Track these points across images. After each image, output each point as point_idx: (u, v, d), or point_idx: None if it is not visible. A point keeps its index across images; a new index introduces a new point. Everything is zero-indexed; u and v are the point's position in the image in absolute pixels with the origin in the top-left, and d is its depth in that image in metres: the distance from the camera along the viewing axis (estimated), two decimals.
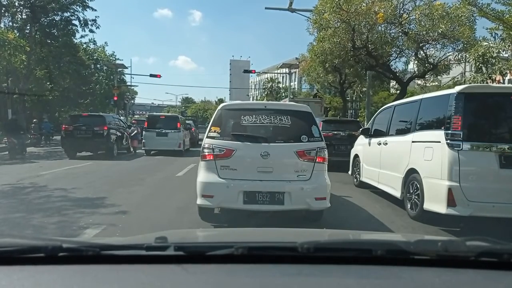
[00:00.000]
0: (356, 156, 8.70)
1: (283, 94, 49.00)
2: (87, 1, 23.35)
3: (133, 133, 17.11)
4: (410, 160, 5.89)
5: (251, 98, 70.72)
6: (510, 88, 6.19)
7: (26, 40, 19.25)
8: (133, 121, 18.48)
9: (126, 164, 12.98)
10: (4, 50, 15.21)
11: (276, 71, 48.85)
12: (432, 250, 1.22)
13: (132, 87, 40.11)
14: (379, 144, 7.27)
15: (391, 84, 24.99)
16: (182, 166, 11.69)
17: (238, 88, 74.92)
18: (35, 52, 21.61)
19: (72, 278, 1.10)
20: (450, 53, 15.37)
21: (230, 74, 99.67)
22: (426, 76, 16.57)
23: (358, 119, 21.62)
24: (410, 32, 14.63)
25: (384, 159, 7.03)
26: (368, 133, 8.07)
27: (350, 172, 9.14)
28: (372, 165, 7.61)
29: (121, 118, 22.02)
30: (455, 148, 4.93)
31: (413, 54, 15.87)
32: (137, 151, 16.97)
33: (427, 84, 18.57)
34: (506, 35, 10.40)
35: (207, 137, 4.96)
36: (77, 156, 14.19)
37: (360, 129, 9.09)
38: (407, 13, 14.58)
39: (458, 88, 5.22)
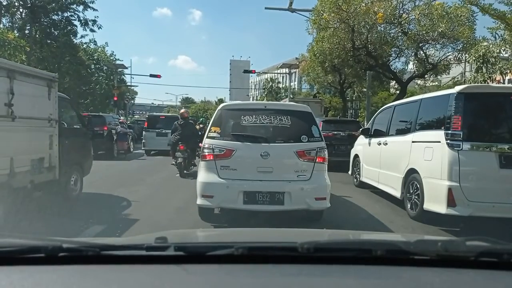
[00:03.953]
0: (356, 156, 8.70)
1: (283, 94, 49.00)
2: (87, 1, 23.33)
3: (120, 134, 15.53)
4: (410, 160, 5.89)
5: (251, 98, 70.70)
6: (510, 88, 6.19)
7: (26, 40, 19.25)
8: (120, 121, 17.98)
9: (126, 164, 12.98)
10: (4, 50, 15.19)
11: (276, 71, 48.86)
12: (432, 250, 1.22)
13: (132, 87, 40.09)
14: (379, 144, 7.27)
15: (391, 84, 24.98)
16: None
17: (238, 88, 74.91)
18: (35, 52, 21.60)
19: (72, 278, 1.10)
20: (450, 53, 15.37)
21: (230, 74, 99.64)
22: (426, 76, 16.56)
23: (358, 119, 21.62)
24: (409, 32, 14.63)
25: (384, 159, 7.03)
26: (368, 133, 8.07)
27: (350, 172, 9.14)
28: (372, 165, 7.61)
29: (122, 118, 21.94)
30: (455, 148, 4.93)
31: (413, 54, 15.87)
32: (127, 154, 15.92)
33: (427, 84, 18.56)
34: (508, 35, 10.40)
35: (207, 137, 4.96)
36: None
37: (360, 129, 9.09)
38: (407, 13, 14.58)
39: (458, 88, 5.22)
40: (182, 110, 12.32)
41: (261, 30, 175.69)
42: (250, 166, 4.79)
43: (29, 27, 22.58)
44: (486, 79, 11.04)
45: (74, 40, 24.74)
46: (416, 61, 16.25)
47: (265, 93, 56.61)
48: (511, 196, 4.81)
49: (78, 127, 7.30)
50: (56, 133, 5.75)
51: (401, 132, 6.63)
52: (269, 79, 58.40)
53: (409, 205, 5.84)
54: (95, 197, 6.98)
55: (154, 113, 24.33)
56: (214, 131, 4.95)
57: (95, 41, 28.87)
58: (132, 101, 48.05)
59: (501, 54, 11.35)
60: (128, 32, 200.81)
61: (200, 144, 10.70)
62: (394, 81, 18.92)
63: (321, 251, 1.21)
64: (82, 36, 25.85)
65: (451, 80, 17.75)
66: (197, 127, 12.22)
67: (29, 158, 5.09)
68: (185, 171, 9.87)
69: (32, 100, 5.25)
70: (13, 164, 4.71)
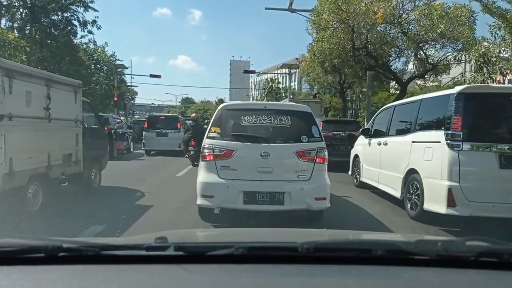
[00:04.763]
0: (356, 156, 8.70)
1: (283, 95, 48.99)
2: (87, 1, 23.35)
3: (118, 134, 15.20)
4: (410, 160, 5.89)
5: (251, 98, 70.73)
6: (510, 88, 6.20)
7: (26, 40, 19.25)
8: (118, 121, 17.94)
9: (126, 164, 12.98)
10: (4, 51, 15.19)
11: (276, 71, 48.80)
12: (432, 250, 1.22)
13: (132, 88, 40.02)
14: (379, 144, 7.27)
15: (391, 84, 24.97)
16: (182, 166, 11.69)
17: (238, 88, 74.83)
18: (35, 52, 21.60)
19: (72, 278, 1.10)
20: (450, 53, 15.35)
21: (230, 75, 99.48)
22: (426, 76, 16.55)
23: (358, 120, 21.63)
24: (409, 32, 14.63)
25: (384, 159, 7.03)
26: (368, 133, 8.07)
27: (350, 172, 9.14)
28: (372, 165, 7.61)
29: (121, 118, 21.88)
30: (455, 148, 4.93)
31: (413, 54, 15.86)
32: (127, 154, 15.97)
33: (427, 84, 18.55)
34: (508, 35, 10.38)
35: (207, 137, 4.96)
36: None
37: (360, 129, 9.10)
38: (407, 13, 14.57)
39: (458, 88, 5.22)
40: (193, 115, 15.91)
41: (261, 30, 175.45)
42: (250, 166, 4.79)
43: (29, 27, 22.59)
44: (486, 79, 11.02)
45: (74, 40, 24.77)
46: (416, 61, 16.23)
47: (265, 93, 56.59)
48: (511, 196, 4.81)
49: (97, 127, 8.26)
50: (80, 132, 6.63)
51: (401, 132, 6.63)
52: (269, 79, 58.39)
53: (409, 205, 5.84)
54: (95, 197, 6.98)
55: (154, 113, 24.30)
56: (214, 131, 4.95)
57: (95, 41, 28.89)
58: (132, 101, 47.97)
59: (501, 54, 11.32)
60: (128, 32, 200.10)
61: None
62: (394, 81, 18.91)
63: (321, 251, 1.21)
64: (82, 37, 25.91)
65: (451, 80, 17.74)
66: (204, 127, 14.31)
67: (61, 153, 5.98)
68: (195, 163, 11.36)
69: (63, 104, 6.10)
70: (50, 158, 5.58)
